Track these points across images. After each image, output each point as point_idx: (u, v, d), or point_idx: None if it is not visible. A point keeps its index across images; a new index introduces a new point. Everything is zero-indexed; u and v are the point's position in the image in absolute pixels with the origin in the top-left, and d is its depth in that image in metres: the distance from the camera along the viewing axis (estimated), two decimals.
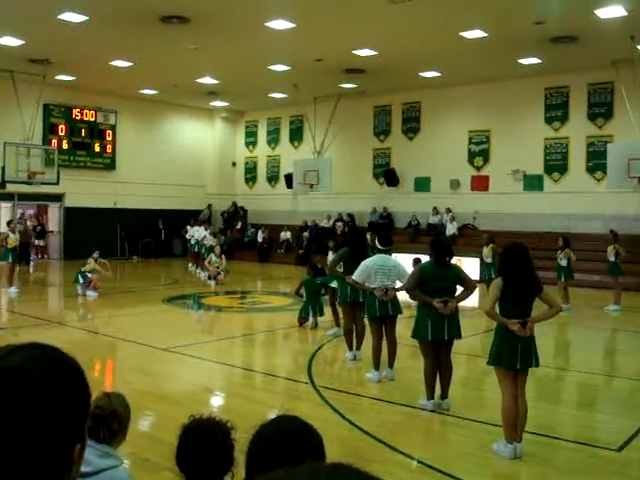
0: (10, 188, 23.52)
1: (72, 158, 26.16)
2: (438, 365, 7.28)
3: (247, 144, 31.99)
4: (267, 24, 16.71)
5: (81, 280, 16.12)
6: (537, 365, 6.00)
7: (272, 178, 30.84)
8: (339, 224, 25.86)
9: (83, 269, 16.22)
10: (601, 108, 21.73)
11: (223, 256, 20.13)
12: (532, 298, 5.97)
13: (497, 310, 5.97)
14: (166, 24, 16.68)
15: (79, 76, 23.48)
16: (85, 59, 20.76)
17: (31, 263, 19.22)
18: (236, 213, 30.64)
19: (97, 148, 27.11)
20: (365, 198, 26.60)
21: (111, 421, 2.90)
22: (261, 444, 1.78)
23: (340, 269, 9.77)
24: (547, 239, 17.75)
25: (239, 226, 29.79)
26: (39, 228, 27.63)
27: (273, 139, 30.89)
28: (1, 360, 1.04)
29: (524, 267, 5.92)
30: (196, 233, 22.72)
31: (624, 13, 15.23)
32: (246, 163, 32.06)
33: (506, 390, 5.93)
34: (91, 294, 15.98)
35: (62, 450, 1.04)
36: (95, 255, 16.50)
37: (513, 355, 5.83)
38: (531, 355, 5.90)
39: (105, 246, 24.63)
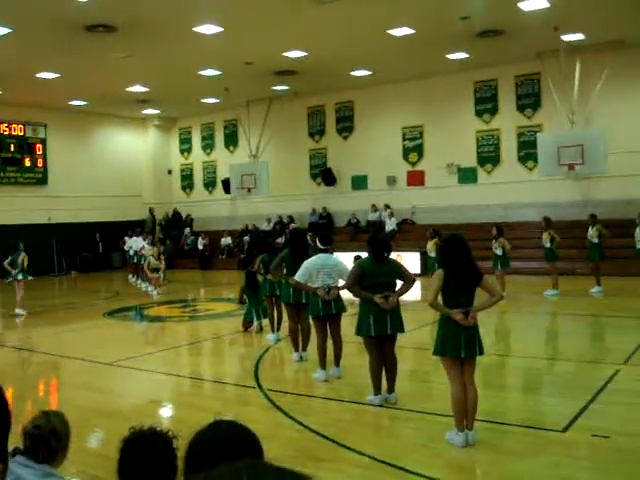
0: None
1: (2, 174, 25.52)
2: (383, 360, 7.33)
3: (182, 151, 31.70)
4: (195, 29, 16.59)
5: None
6: (481, 353, 6.10)
7: (209, 184, 30.63)
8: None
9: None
10: (529, 99, 22.23)
11: (162, 257, 19.90)
12: (473, 287, 6.07)
13: (440, 301, 6.06)
14: (92, 33, 16.39)
15: (5, 90, 22.89)
16: (10, 72, 20.24)
17: None
18: (177, 220, 30.31)
19: (28, 163, 26.50)
20: (304, 199, 26.64)
21: (50, 440, 2.83)
22: (197, 449, 1.76)
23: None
24: (484, 230, 18.05)
25: (186, 232, 29.44)
26: None
27: (208, 145, 30.68)
28: None
29: (464, 257, 6.02)
30: (134, 244, 22.39)
31: (547, 5, 15.59)
32: (182, 170, 31.76)
33: (454, 379, 6.01)
34: (19, 312, 15.65)
35: None
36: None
37: (457, 344, 5.92)
38: (475, 343, 6.00)
39: (41, 262, 24.17)
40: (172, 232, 29.69)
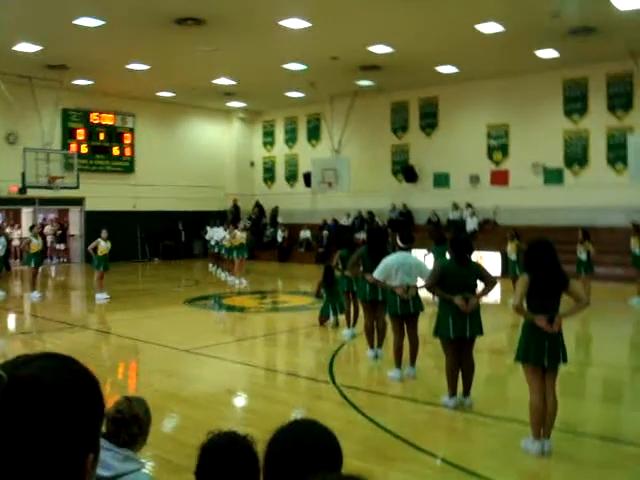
0: (31, 193, 23.71)
1: (91, 162, 26.35)
2: (460, 362, 7.22)
3: (265, 144, 32.02)
4: (282, 23, 16.70)
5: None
6: (565, 361, 5.92)
7: (290, 177, 30.85)
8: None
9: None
10: (620, 99, 21.50)
11: (248, 231, 20.48)
12: (559, 293, 5.91)
13: (524, 306, 5.91)
14: (181, 26, 16.72)
15: (96, 80, 23.61)
16: (102, 63, 20.87)
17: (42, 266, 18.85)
18: (261, 214, 30.52)
19: (116, 151, 27.28)
20: (384, 195, 26.52)
21: (132, 425, 2.90)
22: (277, 449, 1.76)
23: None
24: (569, 233, 17.58)
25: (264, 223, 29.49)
26: (59, 232, 27.89)
27: (291, 138, 30.89)
28: (16, 370, 1.03)
29: (550, 262, 5.86)
30: (215, 234, 22.76)
31: None
32: (264, 163, 32.09)
33: (534, 386, 5.86)
34: (100, 297, 16.04)
35: (75, 460, 1.04)
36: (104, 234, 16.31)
37: (540, 351, 5.76)
38: (559, 351, 5.82)
39: (126, 248, 24.90)
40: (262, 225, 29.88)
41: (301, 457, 1.65)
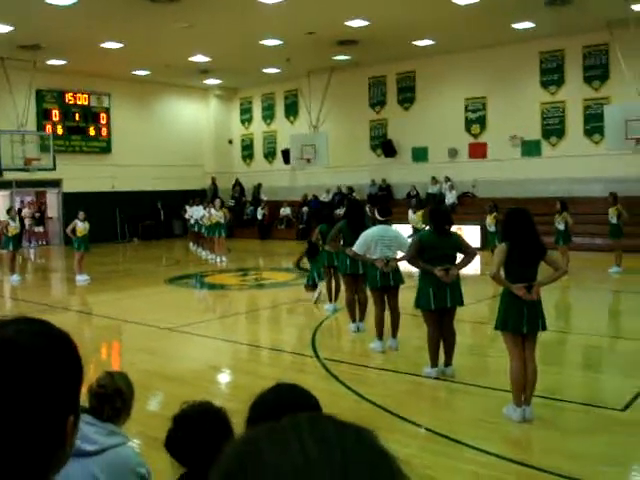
0: (7, 176, 23.46)
1: (67, 143, 26.07)
2: (441, 333, 7.29)
3: (243, 121, 31.85)
4: None
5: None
6: (544, 329, 6.00)
7: (269, 154, 30.74)
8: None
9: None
10: (597, 70, 21.58)
11: (225, 209, 20.67)
12: (537, 262, 5.97)
13: (502, 275, 5.97)
14: (155, 3, 16.50)
15: (70, 60, 23.29)
16: (75, 42, 20.57)
17: (20, 249, 18.58)
18: (241, 192, 30.31)
19: (92, 132, 27.01)
20: (364, 170, 26.50)
21: (115, 400, 2.90)
22: (258, 410, 1.79)
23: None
24: (547, 204, 17.69)
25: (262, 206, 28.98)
26: (38, 215, 27.64)
27: (268, 115, 30.73)
28: None
29: (528, 231, 5.91)
30: (195, 213, 22.68)
31: None
32: (242, 140, 31.94)
33: (514, 355, 5.94)
34: (81, 279, 15.97)
35: (56, 421, 1.05)
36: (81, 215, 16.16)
37: (519, 319, 5.83)
38: (538, 319, 5.90)
39: (105, 229, 24.75)
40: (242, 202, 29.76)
41: (281, 416, 1.68)
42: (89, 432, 2.49)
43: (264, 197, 29.08)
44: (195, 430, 2.59)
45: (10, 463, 0.98)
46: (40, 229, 27.93)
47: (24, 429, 0.99)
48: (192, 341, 9.83)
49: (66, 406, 1.07)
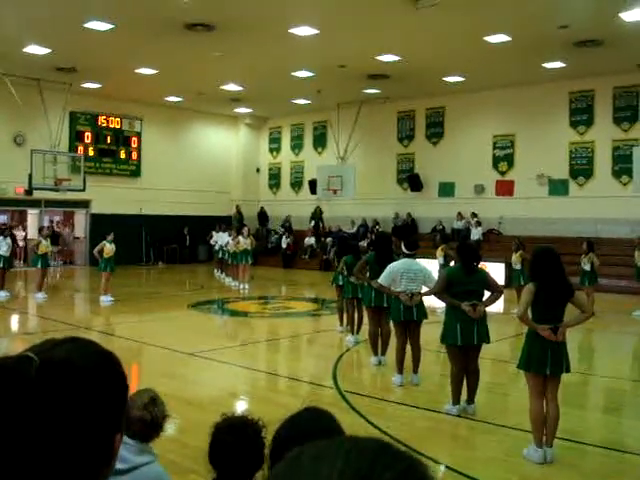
0: (37, 195, 23.80)
1: (98, 165, 26.44)
2: (465, 370, 7.24)
3: (271, 150, 32.10)
4: (291, 30, 16.77)
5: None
6: (568, 371, 5.94)
7: (296, 184, 30.90)
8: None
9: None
10: (627, 112, 21.54)
11: (252, 237, 20.76)
12: (564, 303, 5.92)
13: (529, 315, 5.93)
14: (191, 31, 16.80)
15: (105, 84, 23.72)
16: (111, 67, 20.98)
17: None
18: (263, 219, 30.37)
19: (123, 155, 27.38)
20: (389, 204, 26.54)
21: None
22: (285, 434, 1.82)
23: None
24: (572, 244, 17.57)
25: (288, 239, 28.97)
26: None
27: (297, 145, 30.96)
28: (47, 353, 1.06)
29: (555, 272, 5.87)
30: (220, 239, 22.80)
31: None
32: (270, 169, 32.16)
33: (535, 395, 5.88)
34: (105, 299, 16.12)
35: (105, 439, 1.07)
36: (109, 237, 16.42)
37: (543, 360, 5.79)
38: (562, 360, 5.84)
39: (131, 252, 24.95)
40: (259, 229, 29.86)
41: (306, 441, 1.70)
42: (121, 450, 2.53)
43: (291, 226, 29.05)
44: (239, 437, 2.68)
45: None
46: (54, 249, 28.07)
47: (76, 447, 1.01)
48: (212, 367, 9.84)
49: (114, 424, 1.10)
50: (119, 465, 2.44)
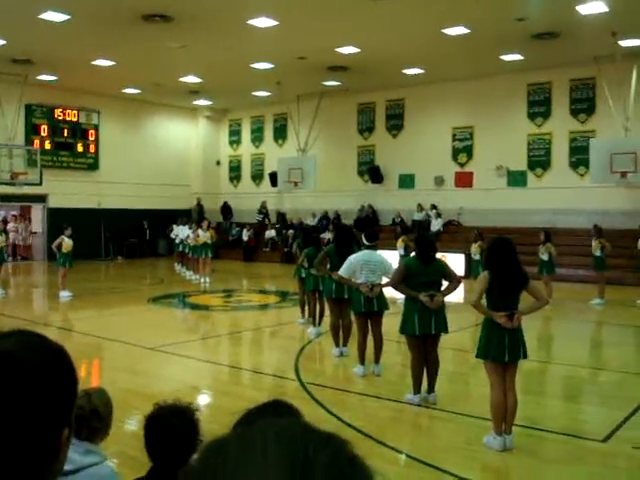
0: None
1: (55, 158, 26.01)
2: (425, 359, 7.30)
3: (231, 143, 31.94)
4: (250, 22, 16.68)
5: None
6: (525, 357, 6.05)
7: (257, 176, 30.80)
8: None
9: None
10: (583, 104, 21.86)
11: (212, 230, 20.56)
12: (519, 291, 6.02)
13: (484, 303, 6.01)
14: (149, 23, 16.61)
15: (61, 76, 23.33)
16: (67, 59, 20.63)
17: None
18: (226, 212, 30.21)
19: (80, 148, 26.96)
20: (350, 195, 26.60)
21: (91, 420, 2.89)
22: (243, 420, 1.82)
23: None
24: (531, 234, 17.81)
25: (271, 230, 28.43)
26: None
27: (257, 137, 30.85)
28: None
29: (510, 260, 5.97)
30: (181, 232, 22.62)
31: (605, 9, 15.31)
32: (230, 162, 32.00)
33: (495, 383, 5.96)
34: (64, 295, 15.87)
35: (51, 434, 1.05)
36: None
37: (501, 348, 5.87)
38: (519, 348, 5.93)
39: (90, 247, 24.63)
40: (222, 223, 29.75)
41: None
42: None
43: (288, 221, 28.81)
44: (166, 429, 2.73)
45: (5, 475, 0.99)
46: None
47: (20, 441, 0.99)
48: (173, 361, 9.78)
49: (61, 419, 1.08)
50: (65, 466, 2.42)
